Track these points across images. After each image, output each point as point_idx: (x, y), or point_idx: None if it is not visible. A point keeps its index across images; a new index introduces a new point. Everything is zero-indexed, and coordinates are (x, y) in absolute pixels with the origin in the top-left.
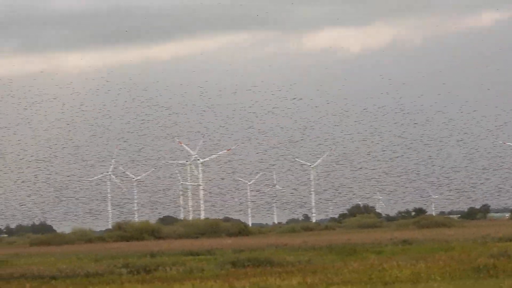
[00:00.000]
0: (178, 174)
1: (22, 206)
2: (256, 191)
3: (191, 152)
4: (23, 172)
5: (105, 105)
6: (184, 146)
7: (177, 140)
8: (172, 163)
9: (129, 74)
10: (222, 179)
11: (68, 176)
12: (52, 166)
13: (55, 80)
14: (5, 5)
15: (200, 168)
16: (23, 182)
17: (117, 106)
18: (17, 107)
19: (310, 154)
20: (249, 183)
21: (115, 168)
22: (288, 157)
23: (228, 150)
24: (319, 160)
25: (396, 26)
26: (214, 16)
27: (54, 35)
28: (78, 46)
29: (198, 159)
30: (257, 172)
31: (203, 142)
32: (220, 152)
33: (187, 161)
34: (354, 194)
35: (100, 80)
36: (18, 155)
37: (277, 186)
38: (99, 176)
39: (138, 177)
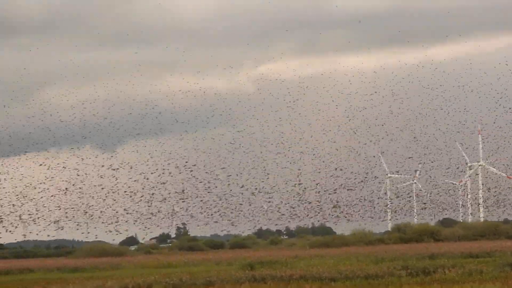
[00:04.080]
0: (457, 177)
1: (298, 208)
2: None
3: (467, 158)
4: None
5: (391, 107)
6: (463, 153)
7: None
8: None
9: (403, 75)
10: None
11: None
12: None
13: (333, 82)
14: (288, 7)
15: (480, 170)
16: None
17: (399, 107)
18: (296, 109)
19: None
20: None
21: (390, 170)
22: None
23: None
24: None
25: None
26: (491, 17)
27: (332, 37)
28: (355, 48)
29: (479, 162)
30: None
31: (482, 144)
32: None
33: (468, 164)
34: None
35: (377, 82)
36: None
37: None
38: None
39: (413, 181)
